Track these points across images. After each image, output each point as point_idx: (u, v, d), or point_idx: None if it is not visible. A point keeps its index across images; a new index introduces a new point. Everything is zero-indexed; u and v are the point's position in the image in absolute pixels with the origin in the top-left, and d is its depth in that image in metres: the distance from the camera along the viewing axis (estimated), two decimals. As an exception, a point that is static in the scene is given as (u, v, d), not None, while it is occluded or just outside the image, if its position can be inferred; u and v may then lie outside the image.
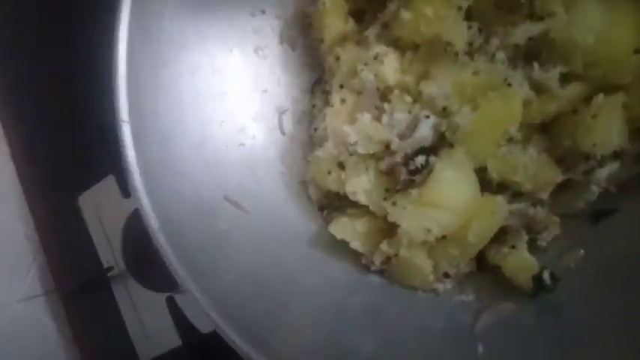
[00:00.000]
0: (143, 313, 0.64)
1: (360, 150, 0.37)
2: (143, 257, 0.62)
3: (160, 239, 0.35)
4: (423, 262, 0.37)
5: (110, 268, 0.64)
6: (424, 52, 0.37)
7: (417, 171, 0.36)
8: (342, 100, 0.39)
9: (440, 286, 0.38)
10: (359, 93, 0.38)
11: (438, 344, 0.36)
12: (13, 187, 0.72)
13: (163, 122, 0.39)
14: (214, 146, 0.42)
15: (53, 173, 0.71)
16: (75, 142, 0.69)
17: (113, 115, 0.37)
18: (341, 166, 0.39)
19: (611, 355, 0.31)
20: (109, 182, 0.65)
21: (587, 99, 0.35)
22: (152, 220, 0.36)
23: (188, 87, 0.41)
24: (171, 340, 0.60)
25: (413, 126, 0.36)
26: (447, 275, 0.38)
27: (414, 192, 0.36)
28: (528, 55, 0.36)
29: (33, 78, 0.71)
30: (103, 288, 0.66)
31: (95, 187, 0.67)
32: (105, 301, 0.66)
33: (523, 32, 0.34)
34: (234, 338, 0.33)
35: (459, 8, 0.34)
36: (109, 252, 0.66)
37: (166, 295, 0.60)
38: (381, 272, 0.40)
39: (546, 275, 0.34)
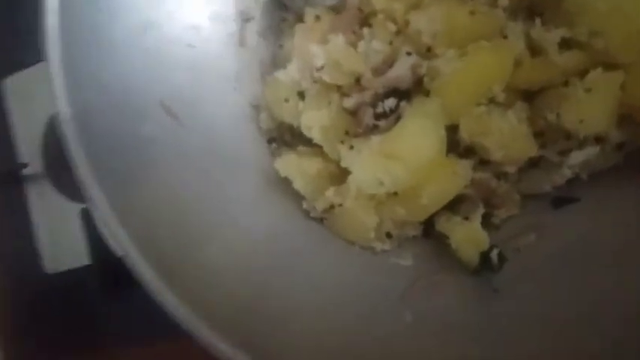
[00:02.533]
0: (55, 222, 0.58)
1: (326, 78, 0.33)
2: (63, 160, 0.56)
3: (69, 130, 0.30)
4: (367, 217, 0.34)
5: (25, 165, 0.57)
6: (420, -21, 0.32)
7: (383, 115, 0.32)
8: (317, 17, 0.33)
9: (379, 245, 0.35)
10: (338, 12, 0.33)
11: (365, 304, 0.33)
12: None
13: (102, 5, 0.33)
14: (158, 38, 0.35)
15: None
16: (13, 18, 0.61)
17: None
18: (301, 95, 0.35)
19: (539, 344, 0.29)
20: (41, 69, 0.57)
21: (582, 74, 0.31)
22: (63, 105, 0.30)
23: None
24: (81, 256, 0.54)
25: (390, 62, 0.31)
26: (389, 235, 0.35)
27: (375, 138, 0.32)
28: (532, 9, 0.32)
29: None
30: (15, 185, 0.59)
31: (25, 72, 0.59)
32: (15, 200, 0.59)
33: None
34: (138, 262, 0.29)
35: None
36: (29, 147, 0.59)
37: (82, 206, 0.54)
38: (320, 220, 0.36)
39: (494, 254, 0.32)
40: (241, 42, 0.39)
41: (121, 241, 0.29)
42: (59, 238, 0.57)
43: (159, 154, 0.34)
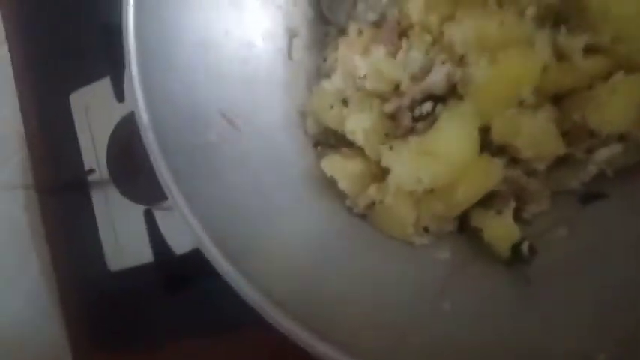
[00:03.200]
0: (119, 223, 0.63)
1: (368, 85, 0.36)
2: (127, 166, 0.61)
3: (149, 137, 0.34)
4: (406, 213, 0.37)
5: (91, 171, 0.63)
6: (453, -7, 0.35)
7: (421, 117, 0.35)
8: (360, 32, 0.37)
9: (418, 240, 0.38)
10: (378, 26, 0.36)
11: (406, 294, 0.36)
12: (4, 71, 0.69)
13: (169, 16, 0.37)
14: (217, 56, 0.40)
15: (48, 65, 0.69)
16: (75, 38, 0.67)
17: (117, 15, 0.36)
18: (345, 102, 0.38)
19: (574, 334, 0.31)
20: (104, 84, 0.63)
21: (606, 77, 0.33)
22: (143, 116, 0.35)
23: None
24: (144, 255, 0.59)
25: (427, 69, 0.34)
26: (426, 230, 0.37)
27: (413, 139, 0.35)
28: (558, 17, 0.34)
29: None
30: (82, 191, 0.65)
31: (89, 87, 0.65)
32: (82, 205, 0.65)
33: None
34: (213, 251, 0.32)
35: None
36: (94, 156, 0.65)
37: (145, 208, 0.59)
38: (362, 216, 0.40)
39: (525, 246, 0.34)
40: (289, 55, 0.43)
41: (196, 233, 0.33)
42: (123, 239, 0.62)
43: (222, 157, 0.38)
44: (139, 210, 0.59)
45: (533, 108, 0.34)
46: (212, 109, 0.39)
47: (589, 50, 0.33)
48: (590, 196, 0.36)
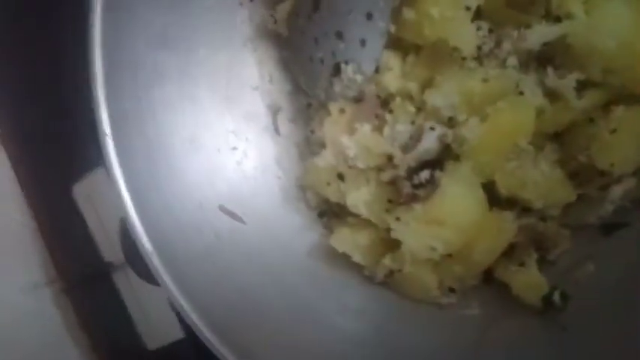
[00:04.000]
0: (146, 304, 0.63)
1: (360, 164, 0.35)
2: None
3: (155, 262, 0.34)
4: (427, 277, 0.36)
5: (110, 264, 0.63)
6: (428, 56, 0.33)
7: (421, 185, 0.34)
8: (341, 110, 0.36)
9: (444, 300, 0.37)
10: (358, 101, 0.35)
11: (442, 358, 0.35)
12: (4, 174, 0.70)
13: (147, 126, 0.37)
14: (205, 150, 0.39)
15: (46, 162, 0.69)
16: (70, 129, 0.67)
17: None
18: (340, 177, 0.37)
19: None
20: (102, 173, 0.63)
21: (605, 108, 0.32)
22: (145, 243, 0.34)
23: (172, 90, 0.38)
24: (175, 331, 0.59)
25: (416, 137, 0.33)
26: (452, 290, 0.36)
27: (417, 208, 0.34)
28: (541, 58, 0.33)
29: (24, 68, 0.67)
30: (105, 279, 0.65)
31: (90, 176, 0.65)
32: (108, 292, 0.65)
33: (538, 36, 0.31)
34: (223, 352, 0.33)
35: (467, 8, 0.31)
36: (108, 243, 0.65)
37: (168, 290, 0.59)
38: (384, 283, 0.39)
39: (556, 295, 0.33)
40: (276, 131, 0.42)
41: (209, 342, 0.33)
42: (153, 318, 0.63)
43: (227, 256, 0.38)
44: (162, 290, 0.60)
45: (535, 153, 0.33)
46: (211, 208, 0.39)
47: (581, 85, 0.32)
48: (610, 226, 0.34)
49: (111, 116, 0.35)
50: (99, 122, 0.35)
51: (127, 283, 0.64)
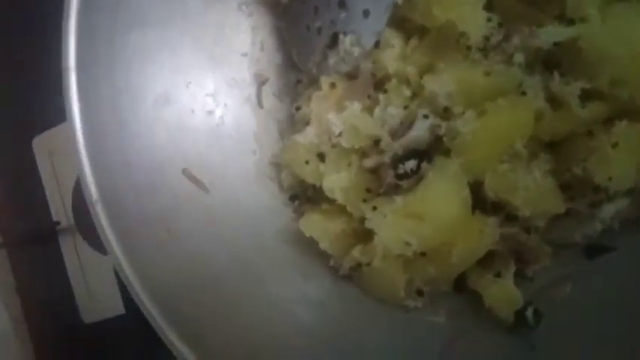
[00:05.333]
0: (90, 274, 0.59)
1: (345, 143, 0.33)
2: (95, 217, 0.57)
3: (98, 211, 0.31)
4: (396, 276, 0.34)
5: (57, 223, 0.59)
6: (432, 41, 0.31)
7: (405, 176, 0.31)
8: (332, 85, 0.33)
9: (411, 303, 0.35)
10: (352, 78, 0.33)
11: (401, 365, 0.33)
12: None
13: (119, 73, 0.34)
14: (178, 109, 0.36)
15: (8, 108, 0.65)
16: (36, 79, 0.63)
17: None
18: (321, 156, 0.35)
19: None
20: (67, 127, 0.59)
21: (606, 122, 0.30)
22: (91, 189, 0.31)
23: (154, 37, 0.35)
24: (116, 306, 0.56)
25: (408, 124, 0.31)
26: (420, 293, 0.34)
27: (398, 199, 0.32)
28: (548, 61, 0.31)
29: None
30: (50, 241, 0.61)
31: (51, 131, 0.61)
32: (51, 255, 0.61)
33: (550, 35, 0.29)
34: (168, 333, 0.30)
35: (481, -6, 0.29)
36: (60, 203, 0.61)
37: (115, 260, 0.55)
38: (348, 277, 0.36)
39: (530, 312, 0.31)
40: (259, 103, 0.40)
41: (147, 311, 0.30)
42: (95, 289, 0.59)
43: (185, 224, 0.35)
44: (109, 260, 0.56)
45: (528, 159, 0.31)
46: (175, 170, 0.36)
47: (586, 95, 0.30)
48: (595, 248, 0.33)
49: (79, 52, 0.32)
50: (64, 55, 0.32)
51: (72, 248, 0.60)
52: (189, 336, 0.30)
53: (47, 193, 0.61)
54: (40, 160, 0.62)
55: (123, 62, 0.34)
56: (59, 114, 0.59)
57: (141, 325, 0.56)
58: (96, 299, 0.59)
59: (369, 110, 0.32)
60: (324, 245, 0.35)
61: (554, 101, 0.31)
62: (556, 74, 0.30)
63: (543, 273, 0.34)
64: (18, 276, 0.65)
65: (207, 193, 0.37)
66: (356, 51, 0.32)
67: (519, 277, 0.33)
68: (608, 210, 0.30)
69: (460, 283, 0.35)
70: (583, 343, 0.31)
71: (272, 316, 0.33)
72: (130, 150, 0.34)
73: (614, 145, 0.29)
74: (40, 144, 0.61)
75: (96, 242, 0.58)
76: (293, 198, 0.39)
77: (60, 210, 0.61)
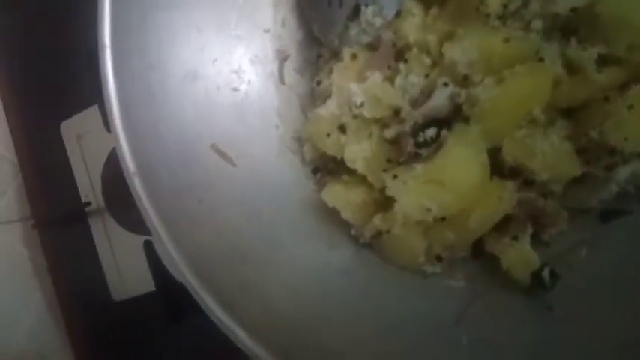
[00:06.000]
0: (119, 253, 0.62)
1: (366, 113, 0.34)
2: (123, 196, 0.59)
3: (136, 184, 0.32)
4: (415, 242, 0.35)
5: (88, 204, 0.61)
6: (452, 9, 0.32)
7: (425, 144, 0.33)
8: (353, 56, 0.34)
9: (429, 268, 0.36)
10: (373, 49, 0.34)
11: (419, 329, 0.34)
12: (-6, 106, 0.67)
13: (150, 50, 0.35)
14: (205, 85, 0.38)
15: (37, 97, 0.67)
16: (63, 68, 0.65)
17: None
18: (342, 129, 0.36)
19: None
20: (94, 112, 0.61)
21: (622, 87, 0.31)
22: (129, 162, 0.33)
23: (181, 17, 0.36)
24: (145, 284, 0.58)
25: (428, 92, 0.32)
26: (439, 258, 0.35)
27: (418, 167, 0.33)
28: (566, 28, 0.32)
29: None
30: (80, 222, 0.63)
31: (79, 116, 0.63)
32: (81, 236, 0.63)
33: (567, 1, 0.29)
34: (204, 297, 0.31)
35: (499, -37, 0.30)
36: (89, 185, 0.63)
37: (144, 238, 0.57)
38: (369, 245, 0.38)
39: (546, 273, 0.32)
40: (281, 79, 0.41)
41: (184, 277, 0.31)
42: (124, 268, 0.61)
43: (216, 194, 0.36)
44: (138, 239, 0.58)
45: (545, 126, 0.32)
46: (204, 145, 0.37)
47: (602, 61, 0.31)
48: (610, 213, 0.34)
49: (113, 30, 0.33)
50: (100, 34, 0.33)
51: (101, 228, 0.62)
52: (222, 300, 0.31)
53: (76, 176, 0.63)
54: (69, 144, 0.64)
55: (153, 41, 0.36)
56: (86, 99, 0.62)
57: (168, 302, 0.59)
58: (125, 277, 0.61)
59: (390, 80, 0.33)
60: (345, 215, 0.37)
61: (572, 67, 0.31)
62: (573, 40, 0.31)
63: (560, 238, 0.35)
64: (49, 256, 0.68)
65: (235, 167, 0.38)
66: (378, 21, 0.33)
67: (536, 241, 0.34)
68: (624, 172, 0.31)
69: (478, 248, 0.35)
70: (599, 304, 0.32)
71: (298, 282, 0.35)
72: (161, 125, 0.35)
73: (630, 107, 0.29)
74: (68, 128, 0.64)
75: (125, 221, 0.60)
76: (315, 171, 0.41)
77: (89, 192, 0.63)
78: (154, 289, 0.56)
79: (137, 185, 0.32)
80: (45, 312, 0.68)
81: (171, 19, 0.36)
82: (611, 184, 0.31)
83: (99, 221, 0.62)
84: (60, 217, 0.64)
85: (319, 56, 0.40)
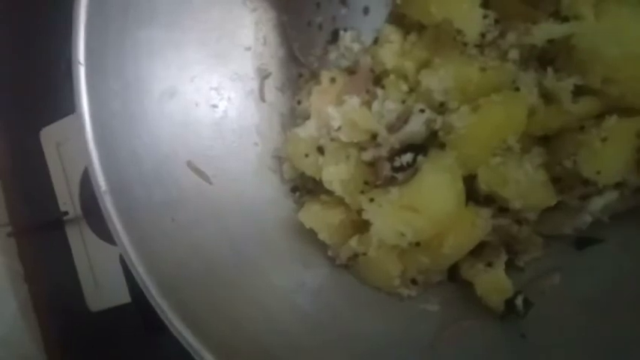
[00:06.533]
0: (96, 263, 0.61)
1: (343, 137, 0.34)
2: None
3: (106, 202, 0.32)
4: (391, 265, 0.35)
5: (65, 213, 0.60)
6: (430, 37, 0.32)
7: (401, 168, 0.33)
8: (332, 79, 0.34)
9: (405, 292, 0.36)
10: (351, 73, 0.34)
11: (393, 352, 0.34)
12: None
13: (127, 68, 0.35)
14: (183, 103, 0.37)
15: (18, 100, 0.66)
16: (45, 72, 0.64)
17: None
18: (320, 150, 0.36)
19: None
20: (74, 119, 0.60)
21: (598, 117, 0.31)
22: (100, 180, 0.32)
23: (161, 34, 0.36)
24: (122, 295, 0.57)
25: (404, 118, 0.32)
26: (414, 282, 0.35)
27: (393, 191, 0.33)
28: (543, 58, 0.32)
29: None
30: (58, 230, 0.62)
31: (59, 123, 0.62)
32: (58, 244, 0.62)
33: (544, 32, 0.30)
34: (171, 317, 0.31)
35: (477, -7, 0.30)
36: (67, 193, 0.62)
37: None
38: (345, 267, 0.37)
39: (519, 300, 0.32)
40: (261, 97, 0.41)
41: (152, 297, 0.31)
42: (101, 278, 0.60)
43: (190, 212, 0.36)
44: (115, 250, 0.57)
45: (520, 154, 0.32)
46: (179, 161, 0.37)
47: (578, 91, 0.31)
48: (584, 240, 0.34)
49: (88, 47, 0.33)
50: (74, 49, 0.33)
51: (79, 237, 0.62)
52: (192, 321, 0.31)
53: (54, 183, 0.63)
54: (48, 152, 0.63)
55: (131, 58, 0.35)
56: (66, 106, 0.61)
57: (146, 314, 0.58)
58: (102, 288, 0.60)
59: (368, 105, 0.33)
60: (322, 236, 0.36)
61: (548, 97, 0.32)
62: (549, 70, 0.31)
63: (534, 264, 0.35)
64: (26, 264, 0.66)
65: (211, 184, 0.38)
66: (356, 47, 0.33)
67: (510, 267, 0.34)
68: (598, 203, 0.31)
69: (453, 273, 0.36)
70: (571, 332, 0.32)
71: (271, 303, 0.35)
72: (136, 141, 0.35)
73: (604, 140, 0.29)
74: (48, 135, 0.63)
75: (103, 232, 0.59)
76: (294, 190, 0.41)
77: (67, 200, 0.62)
78: (130, 300, 0.56)
79: (108, 203, 0.32)
80: (20, 320, 0.66)
81: (151, 37, 0.36)
82: (585, 214, 0.32)
83: (76, 231, 0.61)
84: (37, 225, 0.63)
85: (300, 75, 0.40)
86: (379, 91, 0.33)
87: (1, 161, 0.67)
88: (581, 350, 0.31)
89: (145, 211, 0.33)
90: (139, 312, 0.56)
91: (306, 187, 0.40)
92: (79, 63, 0.32)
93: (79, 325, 0.61)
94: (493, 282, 0.33)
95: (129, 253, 0.31)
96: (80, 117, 0.32)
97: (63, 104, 0.60)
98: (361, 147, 0.35)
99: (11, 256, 0.66)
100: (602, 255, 0.33)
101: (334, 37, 0.34)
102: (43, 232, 0.63)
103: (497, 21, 0.32)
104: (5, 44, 0.66)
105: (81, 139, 0.50)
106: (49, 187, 0.62)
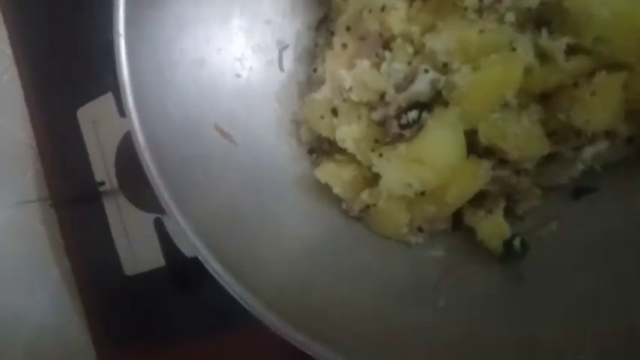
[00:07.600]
0: (131, 231, 0.65)
1: (354, 97, 0.37)
2: (135, 177, 0.63)
3: (146, 157, 0.36)
4: (399, 215, 0.38)
5: (102, 183, 0.65)
6: (433, 3, 0.35)
7: (408, 125, 0.36)
8: (344, 45, 0.38)
9: (413, 239, 0.39)
10: (362, 39, 0.37)
11: (402, 291, 0.37)
12: (13, 92, 0.71)
13: (160, 40, 0.39)
14: (210, 72, 0.41)
15: (55, 83, 0.71)
16: (80, 55, 0.69)
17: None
18: (334, 112, 0.39)
19: (566, 330, 0.32)
20: (108, 99, 0.65)
21: (590, 74, 0.34)
22: (139, 138, 0.36)
23: (187, 7, 0.40)
24: (156, 259, 0.61)
25: (410, 78, 0.35)
26: (420, 229, 0.38)
27: (401, 147, 0.36)
28: (538, 20, 0.34)
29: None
30: (95, 201, 0.67)
31: (94, 102, 0.67)
32: (96, 215, 0.67)
33: (537, -5, 0.32)
34: (213, 264, 0.34)
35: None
36: (103, 168, 0.67)
37: (154, 216, 0.61)
38: (358, 219, 0.41)
39: (517, 242, 0.35)
40: (280, 67, 0.44)
41: (194, 244, 0.35)
42: (136, 245, 0.65)
43: (218, 168, 0.40)
44: (149, 217, 0.62)
45: (519, 109, 0.35)
46: (207, 124, 0.41)
47: (571, 51, 0.33)
48: (580, 190, 0.37)
49: (127, 21, 0.37)
50: (115, 23, 0.37)
51: (115, 207, 0.66)
52: (225, 265, 0.34)
53: (91, 158, 0.67)
54: (85, 129, 0.68)
55: (164, 31, 0.39)
56: (100, 87, 0.66)
57: (176, 275, 0.63)
58: (137, 253, 0.64)
59: (377, 67, 0.36)
60: (337, 190, 0.40)
61: (543, 56, 0.34)
62: (544, 31, 0.34)
63: (533, 214, 0.38)
64: (66, 234, 0.71)
65: (235, 145, 0.42)
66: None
67: (511, 215, 0.37)
68: (589, 152, 0.34)
69: (457, 222, 0.39)
70: (567, 274, 0.35)
71: (292, 248, 0.38)
72: (170, 105, 0.39)
73: (593, 93, 0.32)
74: (84, 114, 0.67)
75: (137, 200, 0.64)
76: (311, 151, 0.44)
77: (103, 173, 0.67)
78: (164, 264, 0.60)
79: (147, 159, 0.36)
80: (62, 285, 0.72)
81: (181, 12, 0.40)
82: (578, 163, 0.34)
83: (112, 201, 0.66)
84: (76, 197, 0.68)
85: (316, 44, 0.43)
86: (387, 54, 0.36)
87: (41, 141, 0.72)
88: (573, 288, 0.34)
89: (179, 165, 0.37)
90: (171, 274, 0.60)
91: (321, 149, 0.43)
92: (120, 35, 0.36)
93: (115, 288, 0.66)
94: (492, 226, 0.36)
95: (167, 202, 0.35)
96: (121, 81, 0.36)
97: (98, 85, 0.65)
98: (371, 107, 0.38)
99: (52, 227, 0.71)
100: (598, 203, 0.36)
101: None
102: (82, 203, 0.68)
103: (494, -14, 0.34)
104: (45, 33, 0.70)
105: (120, 110, 0.54)
106: (86, 162, 0.67)
